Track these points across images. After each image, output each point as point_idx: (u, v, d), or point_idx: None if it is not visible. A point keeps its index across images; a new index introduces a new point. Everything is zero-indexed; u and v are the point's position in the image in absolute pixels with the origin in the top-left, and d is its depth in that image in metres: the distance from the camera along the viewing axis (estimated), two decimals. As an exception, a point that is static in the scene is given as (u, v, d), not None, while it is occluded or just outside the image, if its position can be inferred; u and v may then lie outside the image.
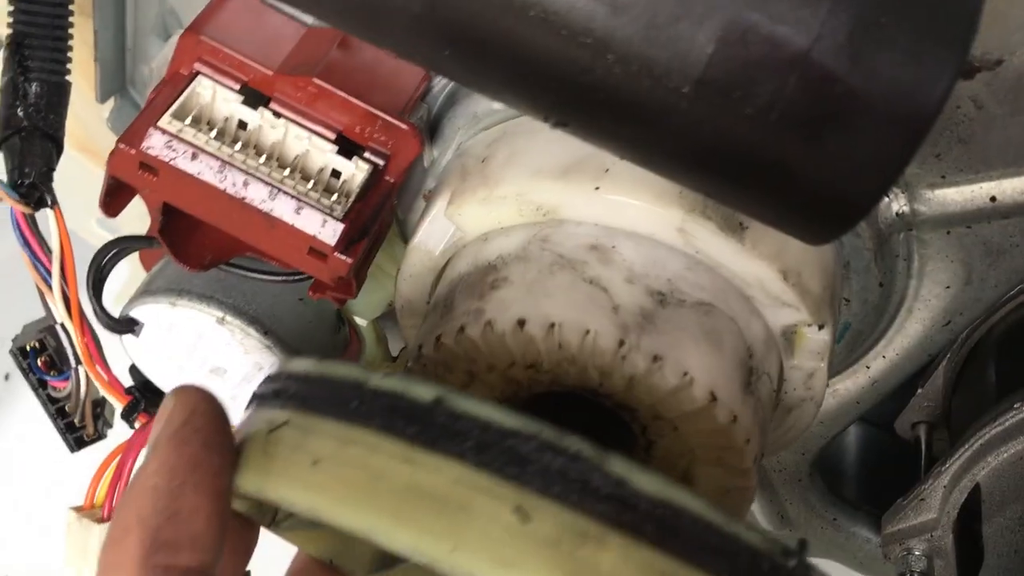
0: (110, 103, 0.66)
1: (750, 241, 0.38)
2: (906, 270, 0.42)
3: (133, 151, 0.40)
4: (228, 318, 0.47)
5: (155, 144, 0.40)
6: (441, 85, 0.43)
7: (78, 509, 0.50)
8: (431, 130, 0.44)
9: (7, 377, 0.98)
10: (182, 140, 0.40)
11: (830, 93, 0.28)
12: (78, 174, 0.58)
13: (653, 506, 0.26)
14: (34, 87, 0.49)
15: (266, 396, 0.32)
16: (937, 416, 0.55)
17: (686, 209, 0.37)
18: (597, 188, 0.38)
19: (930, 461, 0.55)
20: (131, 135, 0.41)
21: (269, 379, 0.32)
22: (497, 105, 0.42)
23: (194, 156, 0.40)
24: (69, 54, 0.51)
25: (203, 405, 0.30)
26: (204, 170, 0.40)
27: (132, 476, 0.31)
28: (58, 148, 0.51)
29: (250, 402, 0.32)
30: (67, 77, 0.51)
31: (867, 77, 0.28)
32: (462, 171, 0.42)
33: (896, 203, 0.41)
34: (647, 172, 0.37)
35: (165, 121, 0.40)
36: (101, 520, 0.50)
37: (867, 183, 0.30)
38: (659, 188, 0.37)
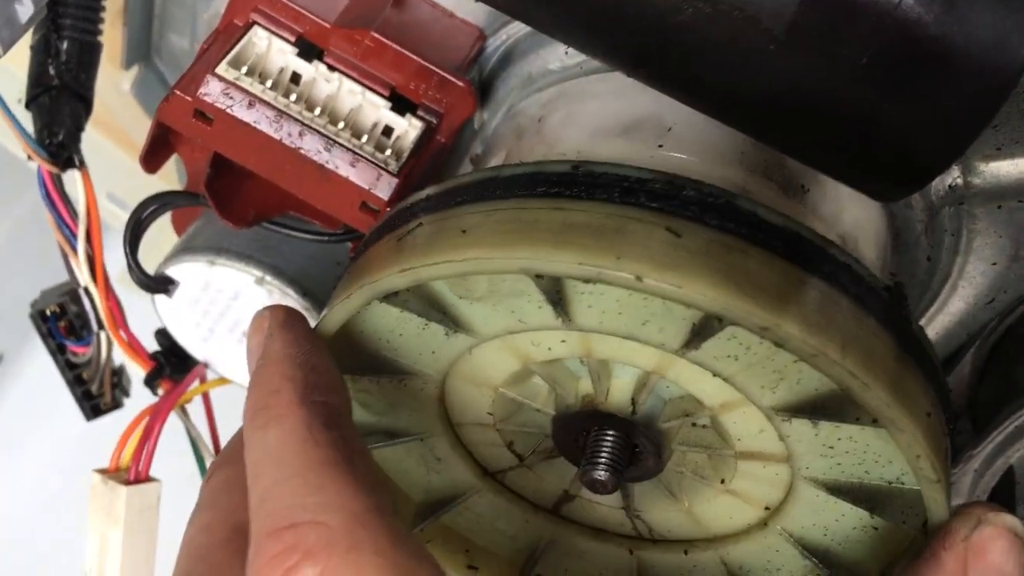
0: (129, 75, 0.65)
1: (810, 204, 0.38)
2: (953, 245, 0.42)
3: (189, 98, 0.40)
4: (268, 278, 0.47)
5: (212, 91, 0.40)
6: (495, 46, 0.43)
7: (103, 472, 0.50)
8: (482, 92, 0.44)
9: (1, 357, 0.96)
10: (239, 88, 0.40)
11: (921, 40, 0.28)
12: (88, 146, 0.58)
13: (780, 231, 0.30)
14: (66, 45, 0.49)
15: (381, 229, 0.33)
16: (960, 406, 0.55)
17: (748, 170, 0.37)
18: (660, 146, 0.37)
19: (953, 451, 0.55)
20: (186, 82, 0.40)
21: (376, 227, 0.34)
22: (553, 65, 0.41)
23: (251, 104, 0.40)
24: (102, 14, 0.50)
25: (294, 310, 0.35)
26: (261, 119, 0.40)
27: (253, 367, 0.33)
28: (87, 108, 0.51)
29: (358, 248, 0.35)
30: (99, 38, 0.50)
31: (959, 25, 0.28)
32: (517, 131, 0.41)
33: (950, 175, 0.41)
34: (709, 132, 0.37)
35: (222, 68, 0.40)
36: (128, 482, 0.49)
37: (950, 136, 0.30)
38: (721, 148, 0.37)
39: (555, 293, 0.31)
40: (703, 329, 0.30)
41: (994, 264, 0.43)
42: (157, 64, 0.63)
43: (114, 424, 0.57)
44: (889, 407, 0.29)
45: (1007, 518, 0.31)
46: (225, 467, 0.36)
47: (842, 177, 0.33)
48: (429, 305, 0.33)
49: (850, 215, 0.39)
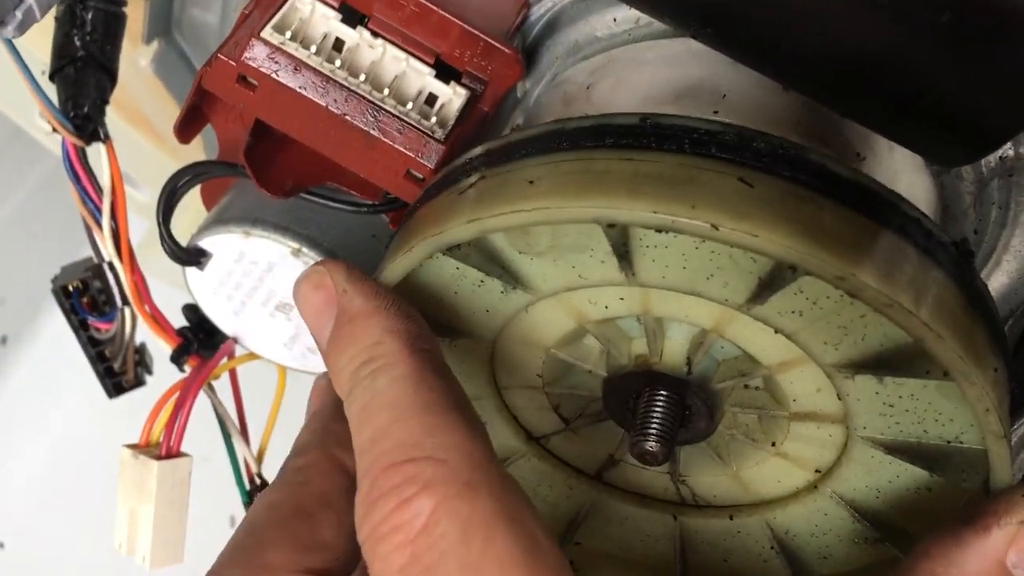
0: (146, 51, 0.65)
1: (865, 171, 0.38)
2: (1001, 218, 0.42)
3: (234, 63, 0.39)
4: (304, 249, 0.46)
5: (257, 55, 0.39)
6: (539, 14, 0.43)
7: (133, 447, 0.49)
8: (526, 60, 0.44)
9: (4, 341, 0.96)
10: (285, 53, 0.40)
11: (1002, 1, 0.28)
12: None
13: (851, 184, 0.29)
14: (91, 15, 0.48)
15: (437, 186, 0.33)
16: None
17: (804, 136, 0.37)
18: (715, 112, 0.37)
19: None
20: (230, 48, 0.40)
21: (432, 184, 0.34)
22: (600, 32, 0.41)
23: (296, 70, 0.40)
24: (128, -17, 0.50)
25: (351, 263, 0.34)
26: (307, 85, 0.40)
27: (330, 324, 0.33)
28: (112, 80, 0.51)
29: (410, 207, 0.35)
30: (124, 8, 0.50)
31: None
32: (565, 98, 0.41)
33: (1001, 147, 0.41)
34: (765, 99, 0.37)
35: (267, 33, 0.40)
36: (160, 457, 0.48)
37: (1021, 102, 0.30)
38: (777, 114, 0.37)
39: (621, 245, 0.31)
40: (772, 282, 0.30)
41: (1040, 237, 0.43)
42: (177, 39, 0.62)
43: (119, 406, 0.57)
44: (963, 359, 0.29)
45: None
46: (304, 453, 0.36)
47: (908, 141, 0.33)
48: (488, 260, 0.33)
49: (903, 184, 0.39)
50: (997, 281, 0.45)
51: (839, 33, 0.30)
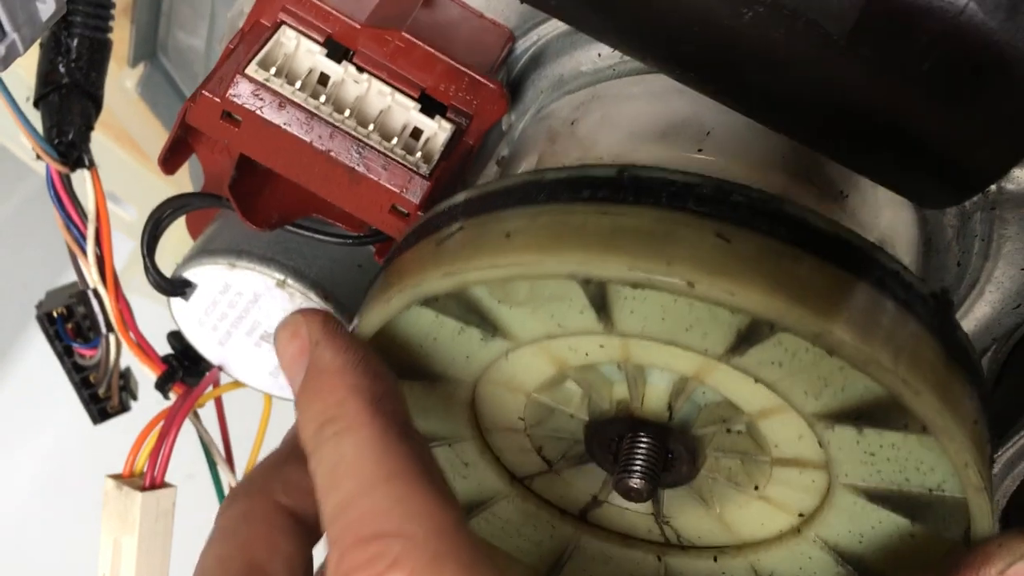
0: (132, 73, 0.65)
1: (849, 210, 0.38)
2: (984, 250, 0.42)
3: (218, 99, 0.39)
4: (289, 281, 0.46)
5: (242, 92, 0.39)
6: (524, 47, 0.43)
7: (116, 477, 0.49)
8: (511, 94, 0.43)
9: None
10: (269, 89, 0.39)
11: (984, 47, 0.28)
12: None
13: (829, 238, 0.29)
14: (76, 42, 0.48)
15: (417, 232, 0.33)
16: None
17: (789, 174, 0.37)
18: (699, 150, 0.37)
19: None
20: (214, 84, 0.40)
21: (412, 230, 0.34)
22: (585, 67, 0.41)
23: (281, 106, 0.39)
24: (112, 11, 0.50)
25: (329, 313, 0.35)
26: (291, 121, 0.39)
27: (300, 376, 0.33)
28: (97, 107, 0.50)
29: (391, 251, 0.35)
30: (109, 35, 0.50)
31: (1022, 32, 0.28)
32: (549, 133, 0.41)
33: (983, 182, 0.41)
34: (749, 136, 0.37)
35: (252, 69, 0.39)
36: (143, 488, 0.48)
37: (1008, 143, 0.30)
38: (762, 153, 0.37)
39: (599, 298, 0.31)
40: (750, 335, 0.30)
41: (1022, 269, 0.42)
42: (163, 62, 0.62)
43: (105, 432, 0.57)
44: (940, 414, 0.29)
45: None
46: (243, 498, 0.36)
47: (894, 183, 0.33)
48: (467, 309, 0.33)
49: (886, 220, 0.39)
50: (980, 312, 0.45)
51: (821, 83, 0.30)
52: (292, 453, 0.36)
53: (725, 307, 0.28)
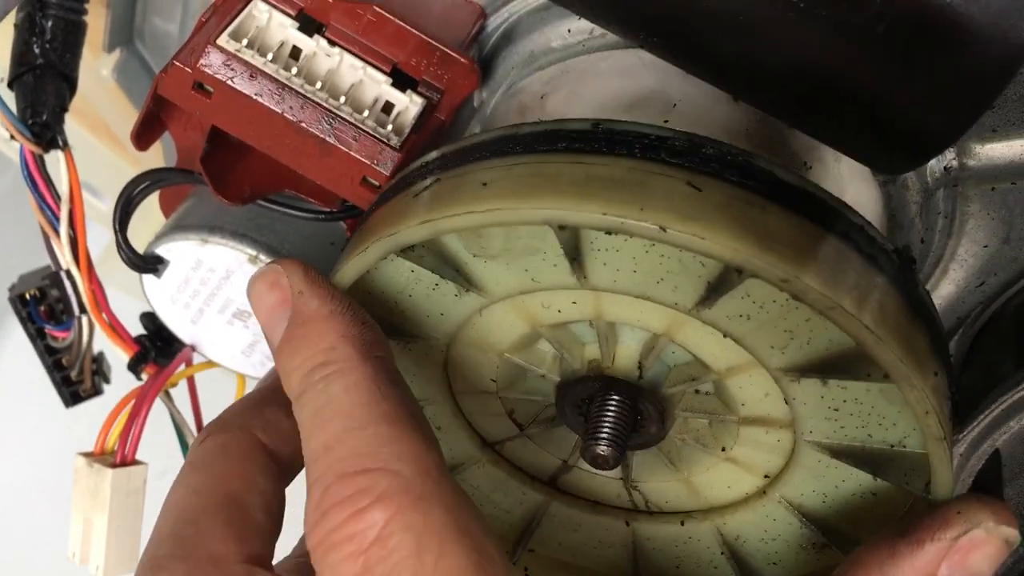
0: (107, 61, 0.65)
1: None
2: (947, 228, 0.43)
3: (189, 69, 0.40)
4: (262, 256, 0.46)
5: (213, 62, 0.40)
6: (496, 24, 0.43)
7: (88, 455, 0.49)
8: (482, 71, 0.44)
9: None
10: (240, 60, 0.40)
11: (939, 11, 0.29)
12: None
13: (796, 190, 0.30)
14: (51, 24, 0.49)
15: (392, 189, 0.33)
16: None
17: (753, 146, 0.38)
18: (666, 121, 0.38)
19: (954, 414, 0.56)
20: (185, 55, 0.40)
21: (386, 189, 0.34)
22: (555, 43, 0.42)
23: (252, 77, 0.40)
24: (88, -7, 0.50)
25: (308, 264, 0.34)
26: (262, 92, 0.40)
27: (283, 325, 0.33)
28: (72, 88, 0.51)
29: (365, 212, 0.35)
30: (84, 17, 0.50)
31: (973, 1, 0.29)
32: (520, 108, 0.42)
33: (945, 157, 0.41)
34: (714, 108, 0.38)
35: (223, 40, 0.40)
36: (114, 465, 0.48)
37: (961, 108, 0.31)
38: (726, 123, 0.38)
39: (573, 249, 0.31)
40: (719, 285, 0.31)
41: (985, 246, 0.43)
42: (139, 48, 0.63)
43: (89, 409, 0.56)
44: (902, 362, 0.29)
45: (1006, 530, 0.31)
46: (220, 433, 0.36)
47: (850, 149, 0.34)
48: (443, 262, 0.33)
49: (850, 194, 0.39)
50: (944, 290, 0.45)
51: (779, 45, 0.31)
52: (270, 397, 0.36)
53: (696, 253, 0.29)
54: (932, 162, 0.42)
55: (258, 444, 0.35)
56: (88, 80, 0.62)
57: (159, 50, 0.60)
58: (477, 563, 0.28)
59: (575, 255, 0.31)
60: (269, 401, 0.36)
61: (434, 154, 0.33)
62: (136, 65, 0.63)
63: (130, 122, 0.70)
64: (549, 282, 0.33)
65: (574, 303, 0.34)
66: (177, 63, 0.40)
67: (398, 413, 0.30)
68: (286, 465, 0.35)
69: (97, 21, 0.62)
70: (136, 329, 0.52)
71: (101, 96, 0.67)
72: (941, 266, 0.45)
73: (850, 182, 0.40)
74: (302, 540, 0.37)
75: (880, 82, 0.31)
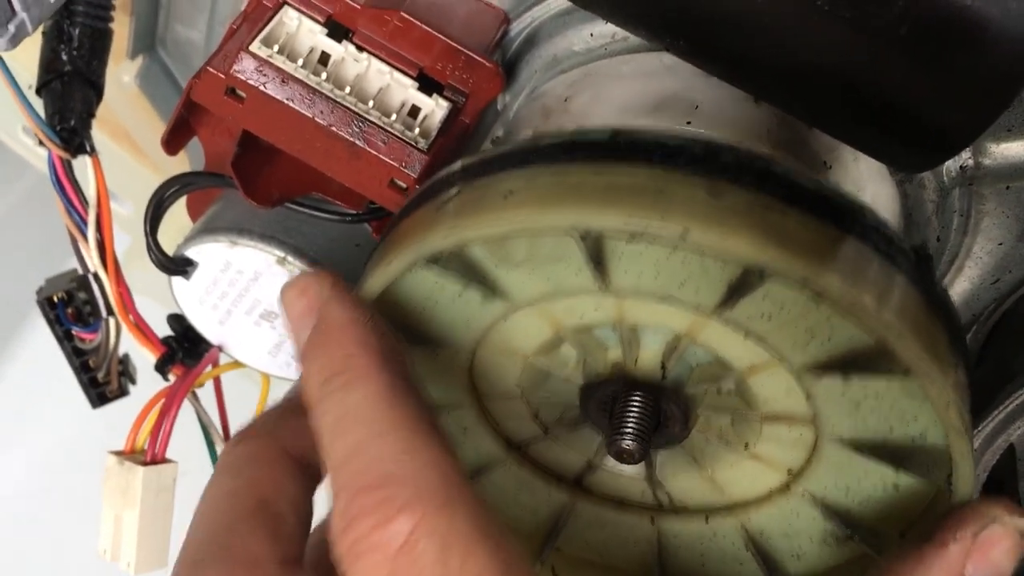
0: (129, 67, 0.66)
1: (832, 180, 0.39)
2: (962, 226, 0.44)
3: (223, 75, 0.41)
4: (289, 258, 0.47)
5: (246, 68, 0.41)
6: (519, 29, 0.44)
7: (118, 453, 0.50)
8: (505, 74, 0.45)
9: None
10: (272, 66, 0.41)
11: (959, 11, 0.30)
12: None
13: (814, 193, 0.30)
14: (78, 31, 0.50)
15: (415, 201, 0.34)
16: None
17: (774, 147, 0.39)
18: (688, 123, 0.39)
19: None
20: (219, 61, 0.41)
21: (410, 200, 0.35)
22: (578, 47, 0.43)
23: (283, 82, 0.41)
24: (114, 1, 0.51)
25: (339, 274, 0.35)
26: (294, 96, 0.41)
27: (306, 332, 0.34)
28: (98, 95, 0.52)
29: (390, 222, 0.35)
30: (110, 25, 0.51)
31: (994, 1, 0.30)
32: (543, 111, 0.42)
33: (961, 156, 0.42)
34: (736, 110, 0.39)
35: (255, 46, 0.41)
36: (145, 463, 0.49)
37: (982, 107, 0.32)
38: (747, 124, 0.39)
39: (596, 254, 0.32)
40: (740, 287, 0.31)
41: (1000, 244, 0.44)
42: (162, 55, 0.64)
43: (103, 417, 0.57)
44: (922, 357, 0.30)
45: (1021, 522, 0.32)
46: (250, 440, 0.37)
47: (870, 148, 0.35)
48: (468, 271, 0.34)
49: (868, 193, 0.40)
50: (960, 287, 0.46)
51: (802, 47, 0.32)
52: (296, 407, 0.37)
53: (717, 257, 0.29)
54: (948, 161, 0.42)
55: (286, 452, 0.36)
56: (109, 86, 0.63)
57: (181, 57, 0.61)
58: (502, 566, 0.29)
59: (598, 261, 0.32)
60: (294, 411, 0.37)
61: (457, 165, 0.34)
62: (158, 71, 0.64)
63: (150, 128, 0.71)
64: (572, 288, 0.33)
65: (597, 308, 0.34)
66: (211, 69, 0.41)
67: (417, 421, 0.31)
68: (314, 471, 0.36)
69: (120, 28, 0.63)
70: (162, 331, 0.53)
71: (122, 102, 0.68)
72: (956, 263, 0.45)
73: (869, 181, 0.41)
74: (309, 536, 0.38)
75: (902, 82, 0.32)
